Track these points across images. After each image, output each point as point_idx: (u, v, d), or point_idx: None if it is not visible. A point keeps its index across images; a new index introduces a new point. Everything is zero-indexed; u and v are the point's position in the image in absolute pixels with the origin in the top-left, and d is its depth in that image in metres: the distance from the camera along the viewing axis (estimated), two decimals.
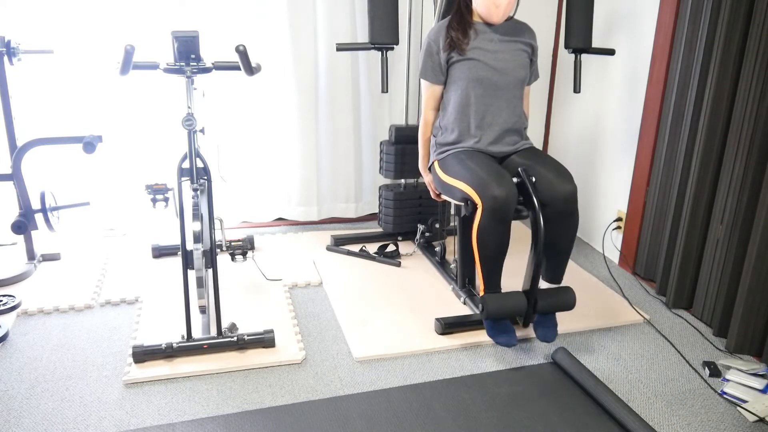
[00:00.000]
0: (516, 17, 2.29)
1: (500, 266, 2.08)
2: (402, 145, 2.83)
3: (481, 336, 2.18)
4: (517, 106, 2.25)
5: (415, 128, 2.81)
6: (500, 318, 2.05)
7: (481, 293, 2.12)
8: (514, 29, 2.23)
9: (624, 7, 2.76)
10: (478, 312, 2.30)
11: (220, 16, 2.85)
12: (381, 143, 2.91)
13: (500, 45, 2.19)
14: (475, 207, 2.03)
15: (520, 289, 2.37)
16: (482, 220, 2.00)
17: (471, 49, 2.17)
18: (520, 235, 3.24)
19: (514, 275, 2.68)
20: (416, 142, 2.82)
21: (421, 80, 2.29)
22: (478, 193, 2.00)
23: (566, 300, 2.10)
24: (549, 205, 2.02)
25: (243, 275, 2.63)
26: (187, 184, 2.08)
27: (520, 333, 2.21)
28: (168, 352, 1.97)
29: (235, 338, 2.02)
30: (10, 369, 1.94)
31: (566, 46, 2.61)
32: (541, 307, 2.08)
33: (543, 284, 2.18)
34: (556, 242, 2.09)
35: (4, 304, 2.30)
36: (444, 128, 2.27)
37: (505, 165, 2.24)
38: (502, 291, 2.11)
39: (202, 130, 2.20)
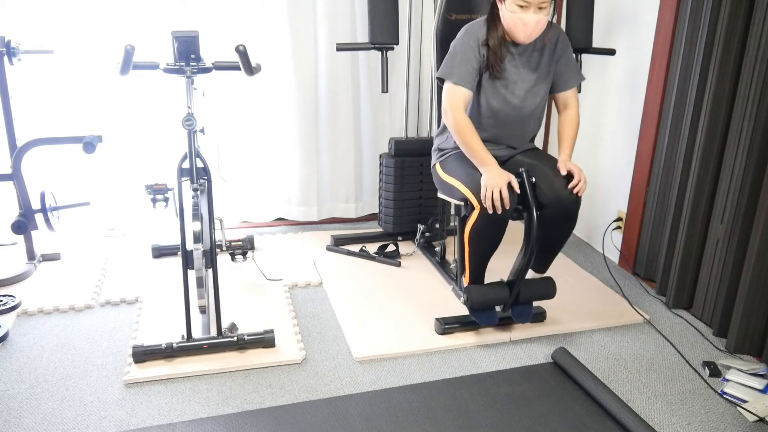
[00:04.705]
0: None
1: (488, 261, 2.16)
2: (402, 158, 2.83)
3: (481, 336, 2.19)
4: (529, 130, 2.23)
5: (415, 141, 2.82)
6: (483, 308, 2.15)
7: (466, 283, 2.20)
8: (539, 51, 2.11)
9: (624, 7, 2.76)
10: (461, 301, 2.35)
11: (220, 16, 2.85)
12: (381, 156, 2.89)
13: (521, 73, 2.09)
14: (473, 208, 2.03)
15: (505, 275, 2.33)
16: (477, 222, 2.00)
17: (500, 71, 2.07)
18: (520, 236, 3.23)
19: (502, 273, 2.67)
20: (416, 155, 2.82)
21: (452, 84, 2.05)
22: (476, 196, 2.00)
23: (547, 291, 2.19)
24: (551, 208, 2.01)
25: (243, 275, 2.63)
26: (187, 184, 2.08)
27: (518, 334, 2.21)
28: (168, 352, 1.97)
29: (235, 338, 2.02)
30: (10, 369, 1.94)
31: None
32: (523, 299, 2.17)
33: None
34: (552, 241, 2.13)
35: (4, 304, 2.30)
36: (450, 134, 2.25)
37: (508, 164, 2.22)
38: (485, 282, 2.20)
39: (202, 130, 2.20)
